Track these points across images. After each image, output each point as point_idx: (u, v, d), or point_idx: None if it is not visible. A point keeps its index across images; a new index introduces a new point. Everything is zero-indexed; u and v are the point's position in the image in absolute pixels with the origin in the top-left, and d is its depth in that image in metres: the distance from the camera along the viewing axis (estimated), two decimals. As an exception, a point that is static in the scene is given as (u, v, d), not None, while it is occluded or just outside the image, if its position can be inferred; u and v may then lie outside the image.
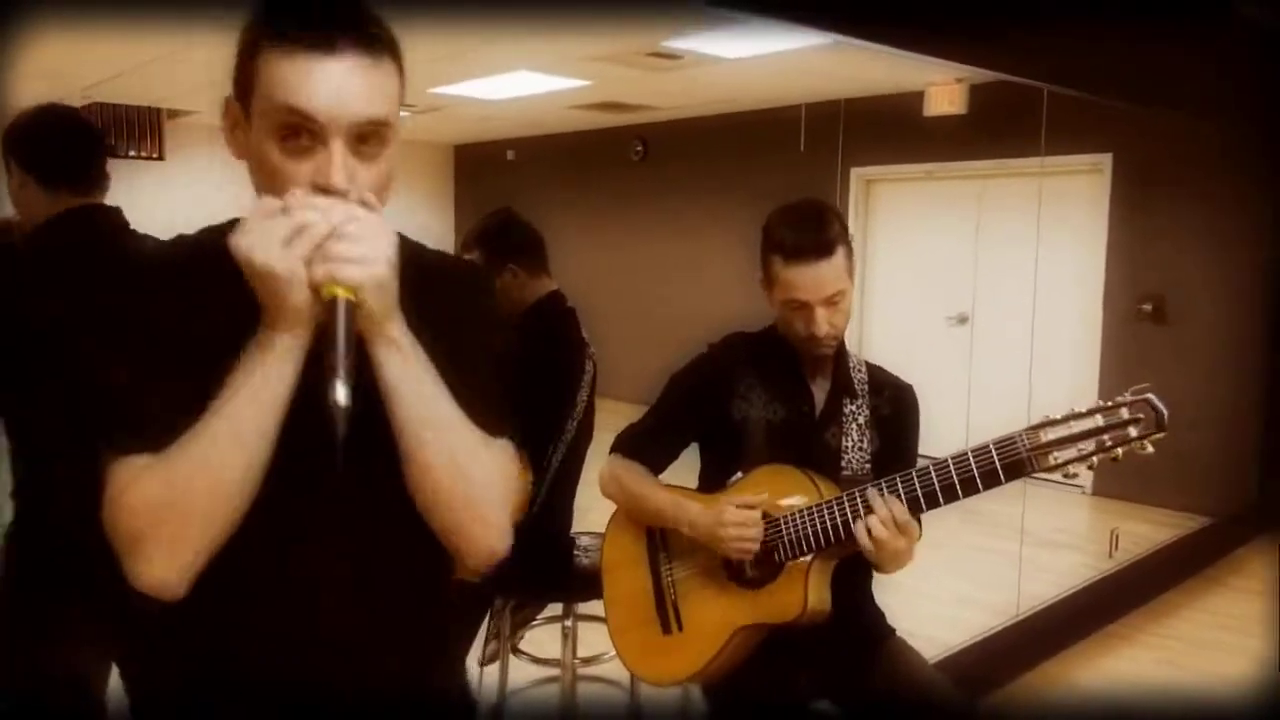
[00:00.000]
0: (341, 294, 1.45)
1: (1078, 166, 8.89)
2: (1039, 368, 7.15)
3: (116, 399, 1.59)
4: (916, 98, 9.45)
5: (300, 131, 1.50)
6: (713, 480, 2.96)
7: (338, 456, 1.44)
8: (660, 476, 3.03)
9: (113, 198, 3.15)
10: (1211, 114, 6.85)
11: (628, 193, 12.80)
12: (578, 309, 4.06)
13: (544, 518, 3.84)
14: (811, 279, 2.71)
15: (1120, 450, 2.36)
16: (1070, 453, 2.40)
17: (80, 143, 3.12)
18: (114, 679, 3.14)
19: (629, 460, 3.01)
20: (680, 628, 2.92)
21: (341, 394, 1.41)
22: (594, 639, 3.88)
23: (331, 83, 1.48)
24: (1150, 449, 2.35)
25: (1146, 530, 7.66)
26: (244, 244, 1.46)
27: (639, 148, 12.67)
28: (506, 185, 13.28)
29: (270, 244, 1.44)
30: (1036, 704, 5.21)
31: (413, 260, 1.57)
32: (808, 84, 9.49)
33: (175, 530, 1.51)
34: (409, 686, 1.75)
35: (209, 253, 1.57)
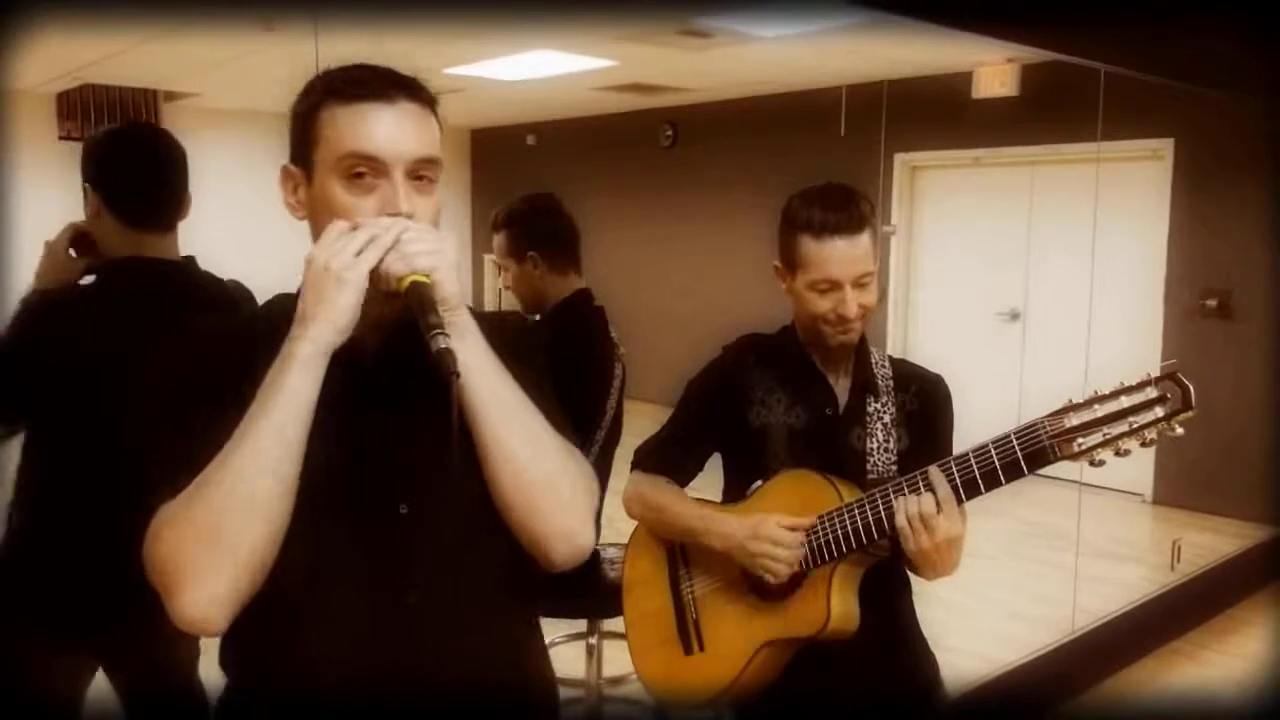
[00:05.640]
0: (418, 279, 1.73)
1: (1137, 152, 8.86)
2: (1095, 367, 7.12)
3: (164, 455, 1.76)
4: (964, 79, 9.43)
5: (364, 171, 1.78)
6: (736, 490, 2.96)
7: (453, 403, 1.67)
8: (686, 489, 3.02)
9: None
10: (1281, 96, 6.81)
11: (656, 180, 12.80)
12: (604, 306, 4.05)
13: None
14: (845, 255, 2.71)
15: (1149, 434, 2.34)
16: (1095, 438, 2.38)
17: (166, 177, 3.13)
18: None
19: (651, 475, 3.01)
20: (702, 647, 2.91)
21: (444, 341, 1.66)
22: (620, 657, 3.87)
23: (392, 126, 1.78)
24: (1179, 430, 2.33)
25: (1210, 541, 7.64)
26: (320, 256, 1.72)
27: (668, 132, 12.68)
28: (527, 172, 13.26)
29: (344, 254, 1.71)
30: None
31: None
32: (848, 64, 9.47)
33: (206, 561, 1.65)
34: (493, 681, 1.93)
35: (273, 319, 1.84)
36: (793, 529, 2.70)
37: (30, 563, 3.09)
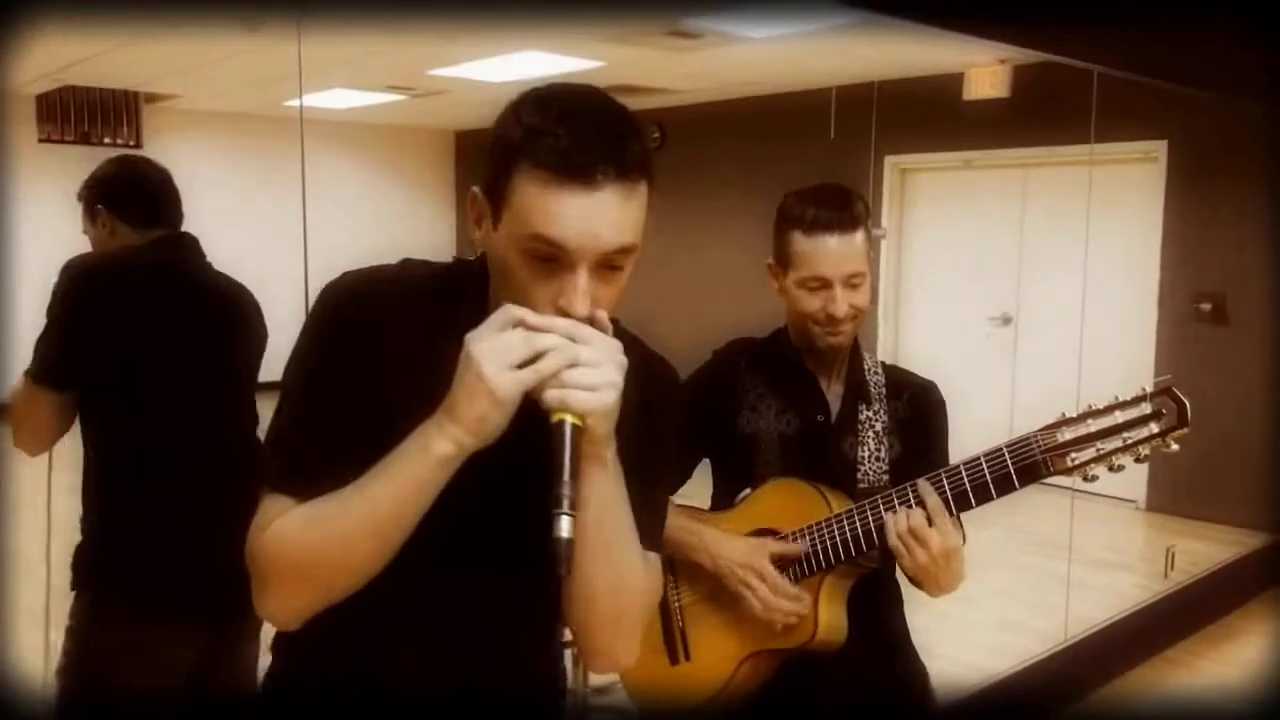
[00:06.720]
0: (570, 419, 1.57)
1: (1130, 154, 8.88)
2: (1088, 373, 7.13)
3: (286, 434, 1.75)
4: (956, 80, 9.44)
5: (549, 257, 1.60)
6: (725, 497, 2.95)
7: (562, 574, 1.56)
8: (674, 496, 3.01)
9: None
10: (1275, 98, 6.81)
11: (643, 183, 12.77)
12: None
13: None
14: (835, 253, 2.69)
15: (1144, 450, 2.34)
16: (1088, 453, 2.38)
17: (165, 189, 3.49)
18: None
19: None
20: (688, 656, 2.90)
21: (566, 528, 1.53)
22: (607, 665, 3.87)
23: (587, 217, 1.58)
24: (1175, 446, 2.33)
25: (1205, 548, 7.64)
26: (477, 350, 1.56)
27: (655, 134, 12.67)
28: (512, 175, 13.18)
29: (503, 362, 1.55)
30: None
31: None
32: (838, 65, 9.49)
33: (295, 583, 1.70)
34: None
35: (411, 297, 1.76)
36: (784, 560, 2.71)
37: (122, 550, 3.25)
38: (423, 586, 1.74)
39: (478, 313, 1.69)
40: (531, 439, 1.60)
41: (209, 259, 3.46)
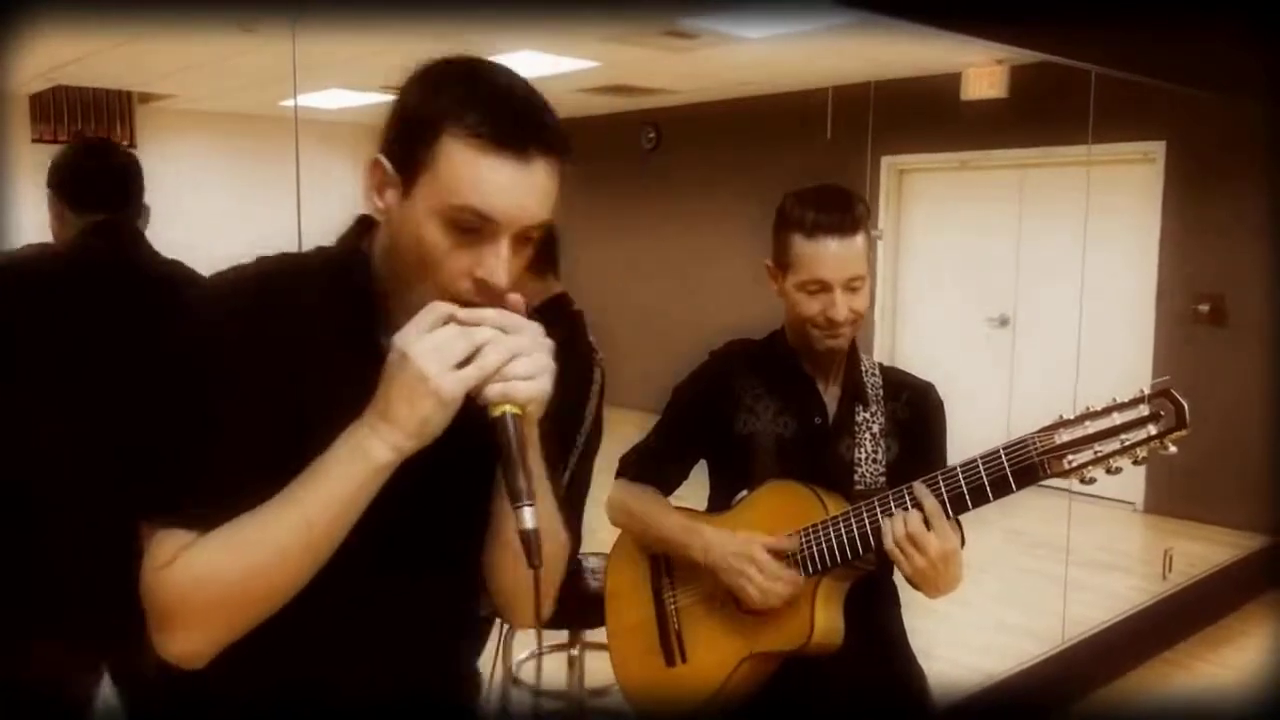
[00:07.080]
0: (510, 410, 1.57)
1: (1128, 155, 8.88)
2: (1086, 374, 7.12)
3: (167, 463, 1.64)
4: (953, 80, 9.44)
5: (472, 227, 1.59)
6: (721, 499, 2.95)
7: (537, 592, 1.58)
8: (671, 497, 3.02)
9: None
10: (1274, 99, 6.82)
11: (639, 183, 12.78)
12: (584, 311, 4.04)
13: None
14: (835, 256, 2.69)
15: (1141, 452, 2.34)
16: (1086, 455, 2.37)
17: (109, 169, 3.43)
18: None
19: (636, 484, 2.99)
20: (684, 659, 2.90)
21: (531, 519, 1.53)
22: (602, 669, 3.86)
23: (518, 189, 1.58)
24: (1173, 449, 2.33)
25: (1203, 550, 7.64)
26: (415, 351, 1.53)
27: (651, 135, 12.67)
28: (508, 175, 13.16)
29: (444, 361, 1.53)
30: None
31: None
32: (835, 65, 9.48)
33: (217, 618, 1.60)
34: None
35: (301, 293, 1.71)
36: (777, 554, 2.70)
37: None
38: (352, 592, 1.68)
39: (367, 304, 1.71)
40: (453, 431, 1.59)
41: (207, 258, 3.37)
